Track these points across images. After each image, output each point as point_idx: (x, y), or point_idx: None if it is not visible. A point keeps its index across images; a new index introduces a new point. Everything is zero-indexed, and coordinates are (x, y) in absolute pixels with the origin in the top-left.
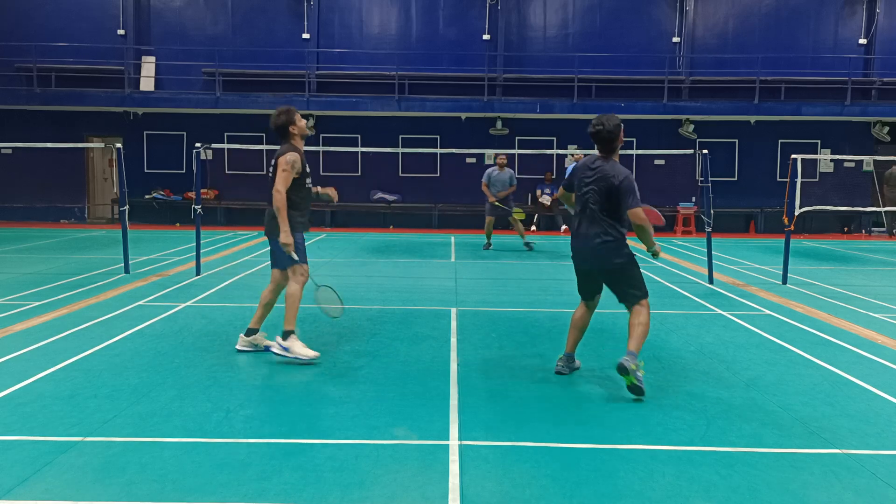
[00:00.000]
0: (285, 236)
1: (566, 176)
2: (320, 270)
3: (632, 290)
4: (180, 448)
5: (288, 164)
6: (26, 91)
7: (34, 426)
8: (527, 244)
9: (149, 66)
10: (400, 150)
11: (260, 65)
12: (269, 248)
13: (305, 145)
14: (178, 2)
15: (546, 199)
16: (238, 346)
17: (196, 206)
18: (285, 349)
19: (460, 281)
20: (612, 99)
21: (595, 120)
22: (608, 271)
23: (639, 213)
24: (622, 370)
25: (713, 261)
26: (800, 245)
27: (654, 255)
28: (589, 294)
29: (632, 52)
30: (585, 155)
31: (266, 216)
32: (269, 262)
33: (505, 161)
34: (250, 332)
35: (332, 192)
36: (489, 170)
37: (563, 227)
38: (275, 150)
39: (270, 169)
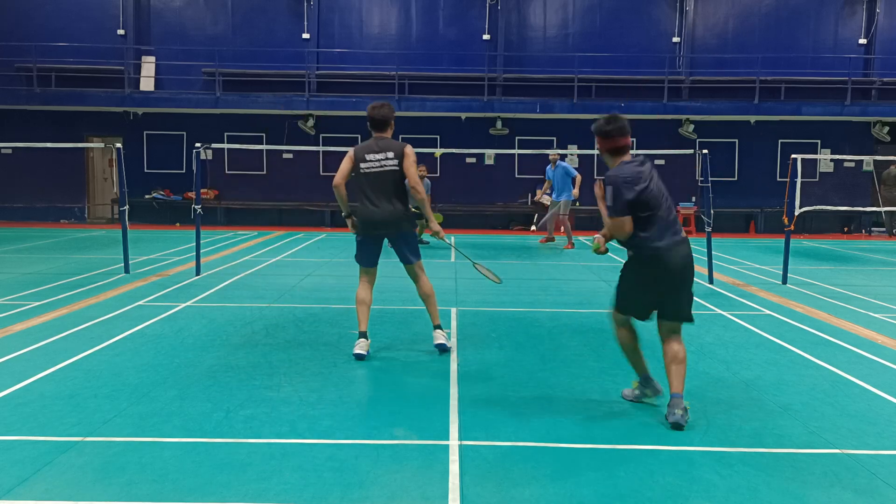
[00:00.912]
0: (435, 224)
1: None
2: (320, 270)
3: (690, 301)
4: (180, 448)
5: (415, 155)
6: (26, 91)
7: (34, 426)
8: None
9: (149, 66)
10: None
11: (260, 65)
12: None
13: (304, 146)
14: (178, 2)
15: (546, 199)
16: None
17: (196, 206)
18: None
19: (460, 281)
20: (612, 99)
21: (611, 119)
22: (682, 277)
23: None
24: (679, 428)
25: (713, 261)
26: (800, 245)
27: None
28: (648, 314)
29: (632, 52)
30: (562, 157)
31: (384, 212)
32: (359, 261)
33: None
34: (363, 335)
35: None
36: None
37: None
38: (275, 151)
39: (379, 162)
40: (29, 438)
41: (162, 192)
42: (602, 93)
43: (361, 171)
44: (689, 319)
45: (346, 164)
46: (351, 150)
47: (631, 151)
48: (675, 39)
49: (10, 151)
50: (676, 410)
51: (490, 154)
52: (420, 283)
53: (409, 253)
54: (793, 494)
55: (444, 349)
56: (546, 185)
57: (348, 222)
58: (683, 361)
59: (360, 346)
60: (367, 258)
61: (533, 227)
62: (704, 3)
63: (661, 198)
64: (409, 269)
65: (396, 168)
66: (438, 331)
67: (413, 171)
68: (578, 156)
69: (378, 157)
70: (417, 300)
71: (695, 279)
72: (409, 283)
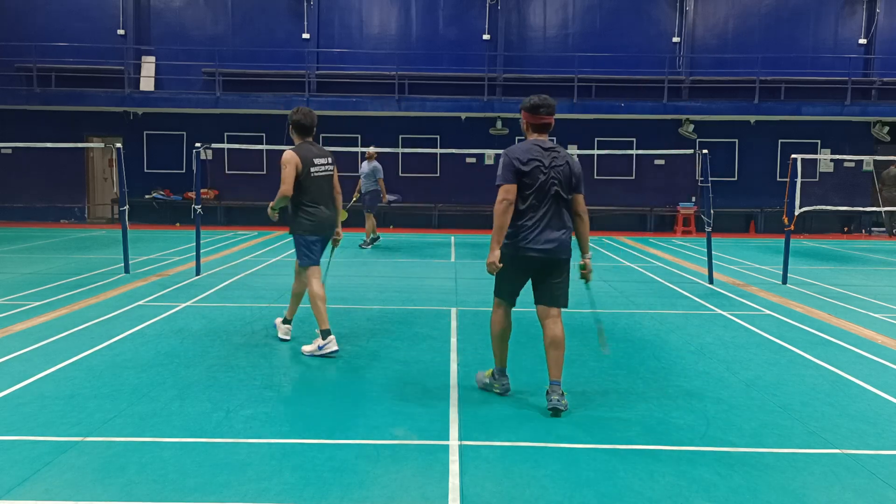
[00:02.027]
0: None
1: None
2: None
3: (566, 290)
4: (180, 448)
5: None
6: (26, 91)
7: (34, 426)
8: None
9: (149, 66)
10: (400, 150)
11: (260, 65)
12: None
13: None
14: (178, 2)
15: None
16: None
17: (196, 206)
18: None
19: (460, 281)
20: (612, 99)
21: (543, 100)
22: (556, 264)
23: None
24: (558, 413)
25: (713, 261)
26: (800, 245)
27: (588, 269)
28: (516, 294)
29: (632, 52)
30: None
31: (333, 214)
32: (313, 262)
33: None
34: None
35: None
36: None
37: None
38: (275, 151)
39: (324, 167)
40: (29, 438)
41: (162, 192)
42: (602, 93)
43: (311, 174)
44: (565, 306)
45: (293, 172)
46: (294, 156)
47: (551, 139)
48: (675, 39)
49: (10, 151)
50: (553, 396)
51: (490, 154)
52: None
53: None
54: (793, 494)
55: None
56: None
57: (304, 222)
58: (561, 346)
59: (333, 344)
60: (319, 254)
61: None
62: (704, 3)
63: (549, 185)
64: (316, 268)
65: (332, 173)
66: (286, 325)
67: (336, 175)
68: (578, 156)
69: (323, 161)
70: (417, 300)
71: (692, 278)
72: (410, 282)
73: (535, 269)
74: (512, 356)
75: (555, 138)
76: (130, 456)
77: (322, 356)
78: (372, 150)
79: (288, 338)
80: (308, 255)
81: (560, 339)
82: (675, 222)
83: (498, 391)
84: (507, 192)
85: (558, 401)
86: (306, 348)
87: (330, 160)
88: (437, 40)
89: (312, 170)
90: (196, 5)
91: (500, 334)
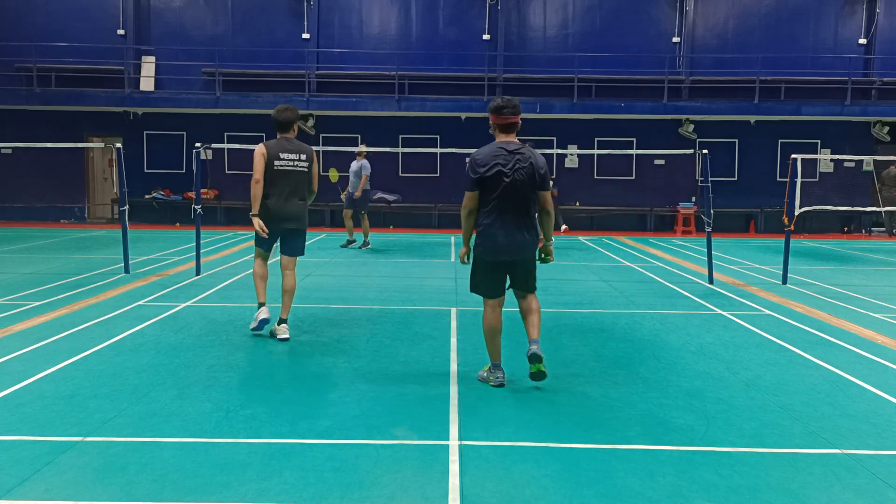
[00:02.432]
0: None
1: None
2: (320, 270)
3: (535, 276)
4: (180, 448)
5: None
6: (26, 91)
7: (34, 426)
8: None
9: (149, 66)
10: (400, 149)
11: (260, 65)
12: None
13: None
14: (178, 2)
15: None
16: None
17: (196, 206)
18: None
19: (460, 281)
20: (612, 99)
21: (506, 101)
22: (526, 262)
23: (549, 196)
24: (536, 358)
25: (713, 261)
26: (800, 245)
27: (549, 253)
28: (498, 290)
29: (632, 52)
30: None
31: (294, 208)
32: (260, 245)
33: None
34: (262, 305)
35: None
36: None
37: (563, 227)
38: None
39: (293, 162)
40: (29, 438)
41: (162, 192)
42: (602, 93)
43: (275, 167)
44: (534, 290)
45: (261, 162)
46: (262, 148)
47: (520, 139)
48: (675, 39)
49: (10, 151)
50: (533, 346)
51: None
52: (290, 276)
53: (301, 245)
54: (793, 494)
55: (282, 339)
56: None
57: (255, 221)
58: (536, 312)
59: (263, 313)
60: (269, 244)
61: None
62: (704, 3)
63: (510, 190)
64: (291, 260)
65: (306, 170)
66: (283, 325)
67: (317, 173)
68: (578, 156)
69: (292, 156)
70: (417, 300)
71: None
72: (410, 282)
73: (507, 269)
74: (512, 356)
75: (555, 138)
76: (130, 456)
77: (255, 330)
78: (362, 148)
79: (287, 336)
80: (258, 239)
81: (535, 308)
82: (675, 222)
83: (493, 384)
84: (468, 200)
85: (537, 349)
86: (252, 325)
87: (303, 157)
88: (437, 40)
89: (276, 163)
90: (196, 5)
91: (491, 332)
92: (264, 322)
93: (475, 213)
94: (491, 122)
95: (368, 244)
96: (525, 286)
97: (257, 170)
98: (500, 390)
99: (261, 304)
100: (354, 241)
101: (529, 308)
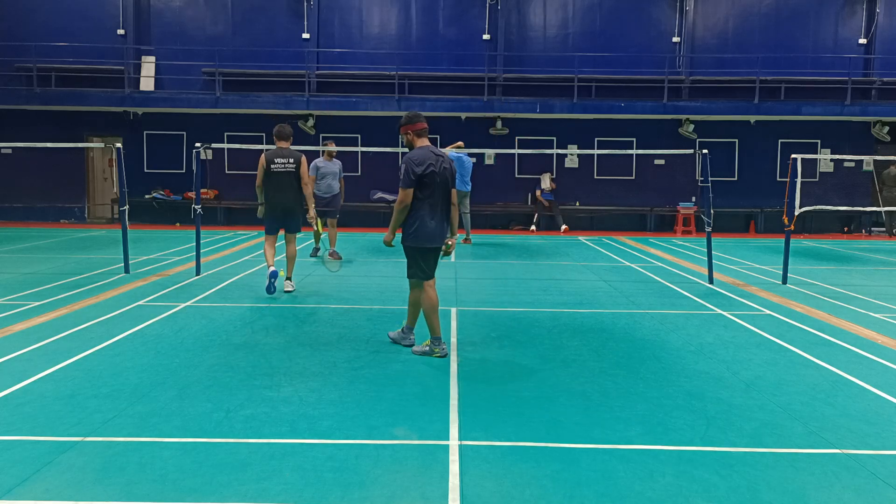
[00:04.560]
0: (312, 210)
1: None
2: (320, 270)
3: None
4: (180, 448)
5: (306, 162)
6: (26, 91)
7: (34, 426)
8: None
9: (149, 66)
10: (400, 149)
11: (260, 65)
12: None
13: (305, 145)
14: (178, 2)
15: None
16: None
17: (196, 206)
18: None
19: (460, 281)
20: (612, 99)
21: (413, 112)
22: (440, 249)
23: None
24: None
25: (713, 261)
26: (800, 245)
27: (451, 247)
28: (430, 272)
29: (632, 52)
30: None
31: (286, 199)
32: (269, 231)
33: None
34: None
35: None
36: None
37: (564, 227)
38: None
39: (283, 165)
40: (29, 438)
41: (162, 192)
42: (602, 93)
43: (272, 170)
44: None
45: (261, 168)
46: (263, 157)
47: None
48: (675, 39)
49: (10, 151)
50: (411, 336)
51: (490, 154)
52: (291, 247)
53: (296, 225)
54: (793, 494)
55: (287, 291)
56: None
57: (260, 209)
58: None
59: (271, 269)
60: (274, 228)
61: (532, 227)
62: (704, 3)
63: (439, 186)
64: (290, 236)
65: (294, 170)
66: (288, 281)
67: (305, 172)
68: (578, 156)
69: (283, 161)
70: None
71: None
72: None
73: (433, 254)
74: (512, 356)
75: (554, 138)
76: (130, 456)
77: (269, 291)
78: (331, 147)
79: (292, 289)
80: (266, 226)
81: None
82: (675, 222)
83: (438, 355)
84: (405, 196)
85: (414, 339)
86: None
87: (291, 160)
88: (437, 40)
89: (273, 166)
90: (196, 5)
91: (432, 307)
92: (274, 274)
93: (408, 208)
94: (409, 132)
95: (336, 255)
96: (434, 272)
97: (258, 175)
98: (499, 390)
99: (269, 266)
100: (320, 248)
101: (431, 299)
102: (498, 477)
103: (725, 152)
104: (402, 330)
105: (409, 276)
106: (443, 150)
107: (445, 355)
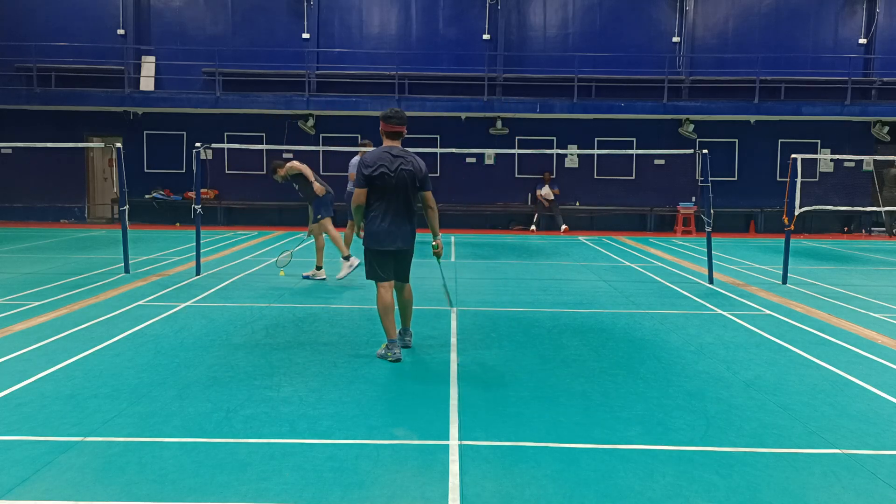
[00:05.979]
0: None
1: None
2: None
3: (409, 267)
4: (180, 448)
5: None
6: (26, 91)
7: (34, 426)
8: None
9: (149, 66)
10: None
11: (260, 65)
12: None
13: (305, 146)
14: (178, 2)
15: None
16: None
17: (196, 206)
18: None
19: (460, 281)
20: (612, 99)
21: (395, 112)
22: (407, 251)
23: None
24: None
25: (713, 261)
26: (800, 245)
27: (438, 247)
28: (389, 275)
29: (632, 52)
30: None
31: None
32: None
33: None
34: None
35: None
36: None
37: (564, 227)
38: (275, 150)
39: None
40: (29, 438)
41: (162, 192)
42: (602, 93)
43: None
44: (407, 280)
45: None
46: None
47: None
48: (675, 39)
49: (10, 151)
50: (406, 338)
51: (490, 154)
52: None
53: (311, 217)
54: (793, 494)
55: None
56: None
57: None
58: (411, 303)
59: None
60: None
61: (533, 228)
62: (704, 3)
63: (394, 188)
64: (314, 225)
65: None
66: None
67: (309, 174)
68: (578, 156)
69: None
70: (417, 300)
71: (692, 278)
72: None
73: (391, 257)
74: (512, 356)
75: (555, 138)
76: (130, 456)
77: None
78: (369, 147)
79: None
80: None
81: (410, 299)
82: (675, 222)
83: (391, 359)
84: (357, 195)
85: (409, 340)
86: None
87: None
88: (437, 40)
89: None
90: (196, 5)
91: (386, 310)
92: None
93: (363, 207)
94: (380, 128)
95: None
96: (403, 275)
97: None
98: (499, 390)
99: (346, 257)
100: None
101: (408, 299)
102: (498, 477)
103: (725, 152)
104: (386, 346)
105: (367, 278)
106: (408, 150)
107: (399, 360)
